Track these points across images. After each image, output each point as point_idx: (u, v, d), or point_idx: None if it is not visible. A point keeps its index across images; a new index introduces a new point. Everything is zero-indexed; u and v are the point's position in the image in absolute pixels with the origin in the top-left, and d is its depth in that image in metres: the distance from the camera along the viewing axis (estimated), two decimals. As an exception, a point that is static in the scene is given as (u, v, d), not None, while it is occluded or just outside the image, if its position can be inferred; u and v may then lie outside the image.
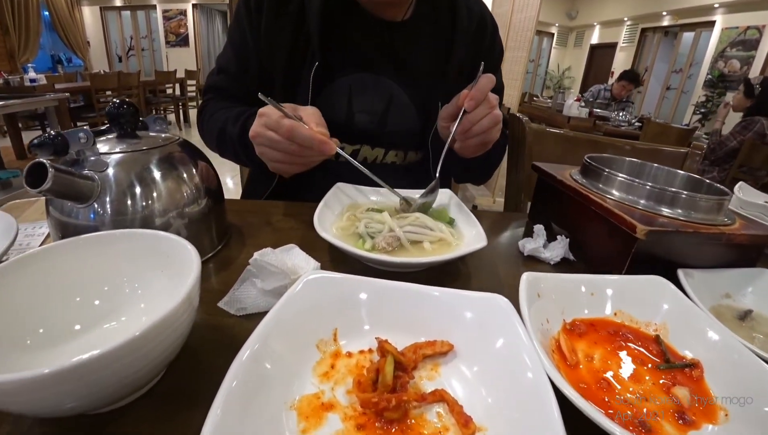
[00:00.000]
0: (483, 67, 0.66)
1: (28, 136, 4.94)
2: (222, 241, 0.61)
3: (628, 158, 0.76)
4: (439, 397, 0.34)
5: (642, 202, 0.59)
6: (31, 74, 4.65)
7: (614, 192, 0.62)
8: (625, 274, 0.55)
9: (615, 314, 0.49)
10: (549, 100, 5.69)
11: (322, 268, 0.51)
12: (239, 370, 0.28)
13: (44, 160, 0.40)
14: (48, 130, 4.61)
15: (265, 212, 0.73)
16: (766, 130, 2.95)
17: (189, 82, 7.03)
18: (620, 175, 0.62)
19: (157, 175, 0.52)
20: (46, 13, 8.31)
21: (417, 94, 0.84)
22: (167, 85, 6.56)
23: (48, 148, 0.46)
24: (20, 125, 4.89)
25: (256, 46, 0.79)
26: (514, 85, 3.33)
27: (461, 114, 0.64)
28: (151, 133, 0.58)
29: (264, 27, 0.78)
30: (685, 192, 0.57)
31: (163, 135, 0.58)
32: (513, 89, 3.34)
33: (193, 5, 9.14)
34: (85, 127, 0.46)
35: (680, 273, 0.55)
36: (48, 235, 0.62)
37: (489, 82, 0.63)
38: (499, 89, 0.93)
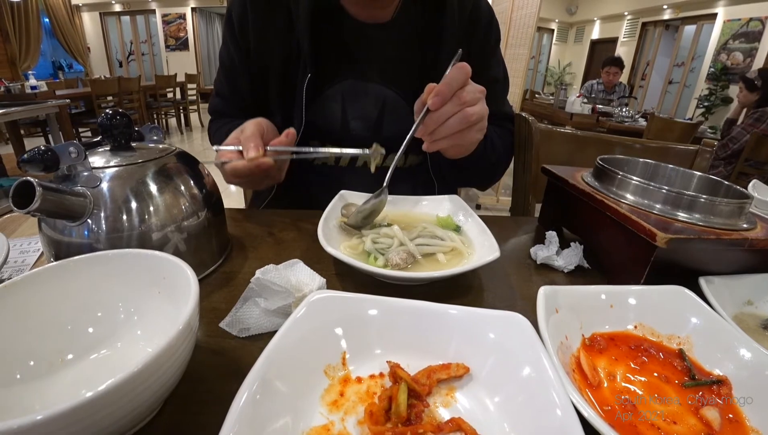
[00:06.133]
0: (459, 55, 0.56)
1: (30, 143, 4.98)
2: (223, 254, 0.59)
3: (641, 159, 0.73)
4: (456, 426, 0.31)
5: (658, 206, 0.56)
6: (32, 81, 4.64)
7: (629, 196, 0.59)
8: (643, 283, 0.52)
9: (635, 327, 0.46)
10: (551, 97, 5.64)
11: (328, 282, 0.49)
12: (240, 412, 0.25)
13: (31, 179, 0.38)
14: (48, 139, 4.62)
15: (266, 222, 0.71)
16: None
17: (189, 85, 7.01)
18: (635, 178, 0.59)
19: (153, 188, 0.50)
20: (47, 19, 8.33)
21: (410, 96, 0.81)
22: (168, 90, 6.55)
23: (37, 164, 0.44)
24: (22, 132, 4.90)
25: (244, 64, 0.80)
26: (516, 82, 3.30)
27: (424, 112, 0.54)
28: (146, 144, 0.56)
29: (254, 42, 0.78)
30: (704, 196, 0.55)
31: (159, 146, 0.56)
32: (515, 87, 3.31)
33: (192, 9, 9.13)
34: (75, 142, 0.44)
35: (702, 281, 0.52)
36: (43, 253, 0.60)
37: (460, 73, 0.53)
38: (500, 79, 0.89)
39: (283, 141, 0.63)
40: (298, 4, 0.74)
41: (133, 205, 0.48)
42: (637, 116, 4.21)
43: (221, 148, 0.64)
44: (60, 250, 0.48)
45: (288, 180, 0.83)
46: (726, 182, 0.64)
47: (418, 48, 0.80)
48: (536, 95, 6.52)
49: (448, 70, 0.54)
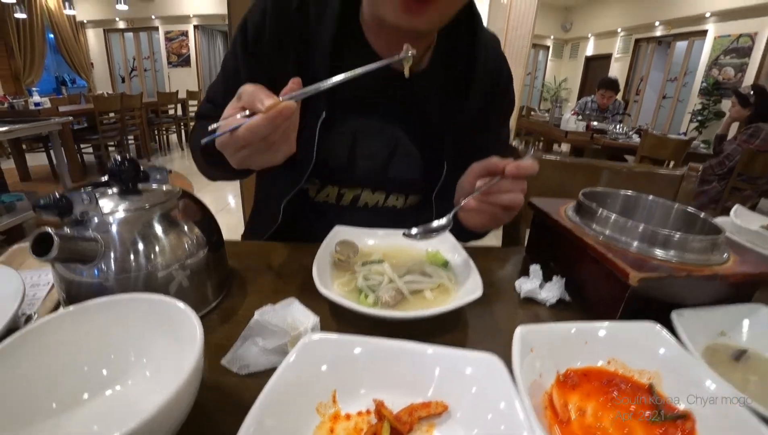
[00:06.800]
0: (534, 151, 0.63)
1: (32, 159, 5.03)
2: (223, 290, 0.62)
3: (622, 191, 0.77)
4: (435, 462, 0.34)
5: (635, 244, 0.60)
6: (36, 98, 4.71)
7: (607, 232, 0.62)
8: (620, 317, 0.56)
9: (609, 362, 0.49)
10: (546, 114, 5.72)
11: (323, 318, 0.52)
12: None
13: (50, 230, 0.41)
14: (49, 154, 4.65)
15: (265, 255, 0.74)
16: None
17: (191, 102, 7.10)
18: (613, 214, 0.62)
19: (159, 230, 0.53)
20: (51, 35, 8.46)
21: (424, 144, 0.82)
22: (169, 106, 6.64)
23: (52, 210, 0.48)
24: (24, 147, 4.96)
25: (249, 73, 0.73)
26: (511, 101, 3.36)
27: (499, 177, 0.60)
28: (150, 185, 0.60)
29: (265, 63, 0.72)
30: (678, 233, 0.58)
31: (163, 187, 0.59)
32: (510, 105, 3.37)
33: (195, 26, 9.29)
34: (87, 189, 0.48)
35: (673, 315, 0.55)
36: (53, 286, 0.63)
37: (532, 167, 0.61)
38: (503, 143, 0.94)
39: (293, 87, 0.50)
40: (319, 32, 0.70)
41: (140, 247, 0.51)
42: (631, 133, 4.27)
43: (218, 124, 0.50)
44: (71, 288, 0.51)
45: (288, 220, 0.83)
46: (702, 215, 0.67)
47: (441, 103, 0.79)
48: (532, 112, 6.60)
49: (525, 160, 0.60)
